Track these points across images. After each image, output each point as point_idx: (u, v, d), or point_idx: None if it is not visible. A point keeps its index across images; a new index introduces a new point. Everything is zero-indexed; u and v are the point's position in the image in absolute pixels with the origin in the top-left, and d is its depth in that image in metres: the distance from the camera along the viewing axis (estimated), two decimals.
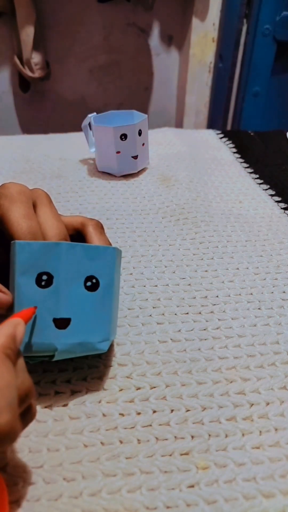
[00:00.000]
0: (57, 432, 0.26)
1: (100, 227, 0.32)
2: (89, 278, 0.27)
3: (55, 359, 0.26)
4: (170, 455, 0.25)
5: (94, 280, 0.27)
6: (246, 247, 0.45)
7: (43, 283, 0.26)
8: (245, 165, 0.64)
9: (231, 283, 0.40)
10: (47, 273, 0.26)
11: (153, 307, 0.36)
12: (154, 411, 0.28)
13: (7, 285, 0.27)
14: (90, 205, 0.52)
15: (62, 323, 0.26)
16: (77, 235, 0.32)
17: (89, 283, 0.27)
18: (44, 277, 0.26)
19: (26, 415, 0.22)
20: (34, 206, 0.30)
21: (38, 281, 0.26)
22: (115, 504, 0.23)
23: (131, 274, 0.40)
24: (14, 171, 0.61)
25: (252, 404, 0.28)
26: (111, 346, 0.32)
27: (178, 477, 0.24)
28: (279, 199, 0.55)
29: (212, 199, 0.54)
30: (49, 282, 0.26)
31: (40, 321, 0.26)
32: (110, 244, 0.32)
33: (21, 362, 0.22)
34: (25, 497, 0.23)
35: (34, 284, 0.26)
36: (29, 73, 1.20)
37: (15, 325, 0.22)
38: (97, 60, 1.34)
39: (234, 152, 0.69)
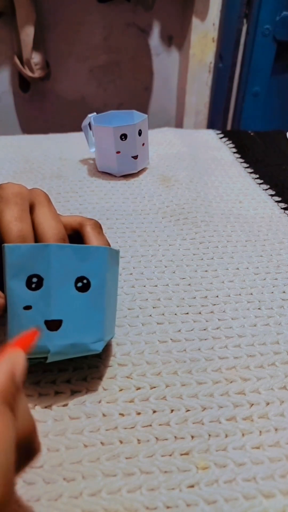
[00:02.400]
0: (57, 432, 0.26)
1: (98, 227, 0.32)
2: (80, 279, 0.27)
3: (48, 361, 0.26)
4: (170, 455, 0.25)
5: (85, 281, 0.27)
6: (246, 247, 0.45)
7: (33, 285, 0.26)
8: (245, 165, 0.64)
9: (231, 283, 0.40)
10: (37, 275, 0.26)
11: (153, 307, 0.36)
12: (154, 411, 0.28)
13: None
14: (90, 205, 0.52)
15: (53, 324, 0.26)
16: (76, 235, 0.32)
17: (80, 284, 0.27)
18: (34, 280, 0.26)
19: (27, 453, 0.19)
20: (33, 206, 0.30)
21: (28, 283, 0.26)
22: (115, 504, 0.23)
23: (131, 274, 0.40)
24: (14, 171, 0.61)
25: (252, 404, 0.28)
26: (111, 346, 0.32)
27: (178, 477, 0.24)
28: (279, 199, 0.55)
29: (212, 199, 0.54)
30: (40, 284, 0.26)
31: (32, 324, 0.26)
32: (109, 244, 0.32)
33: (22, 401, 0.19)
34: (25, 497, 0.23)
35: (24, 286, 0.26)
36: (29, 73, 1.20)
37: (12, 362, 0.19)
38: (97, 60, 1.34)
39: (234, 152, 0.69)
